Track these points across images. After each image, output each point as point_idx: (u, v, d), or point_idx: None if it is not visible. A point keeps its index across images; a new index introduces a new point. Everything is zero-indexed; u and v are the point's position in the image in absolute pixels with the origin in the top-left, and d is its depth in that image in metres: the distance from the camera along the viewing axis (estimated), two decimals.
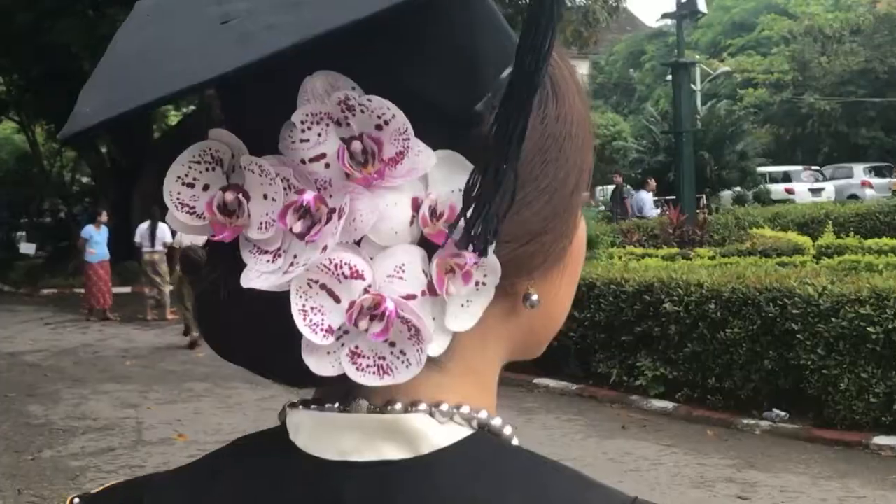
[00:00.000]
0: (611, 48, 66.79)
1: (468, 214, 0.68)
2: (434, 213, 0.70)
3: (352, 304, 0.68)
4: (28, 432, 10.16)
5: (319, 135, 0.69)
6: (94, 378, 12.93)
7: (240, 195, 0.71)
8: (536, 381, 11.36)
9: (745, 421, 9.54)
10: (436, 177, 0.70)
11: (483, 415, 0.76)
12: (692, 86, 24.85)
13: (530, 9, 0.68)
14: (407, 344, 0.70)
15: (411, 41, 0.71)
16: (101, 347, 15.62)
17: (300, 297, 0.69)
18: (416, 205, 0.70)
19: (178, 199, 0.73)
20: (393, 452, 0.72)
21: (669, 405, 10.23)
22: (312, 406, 0.76)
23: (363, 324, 0.68)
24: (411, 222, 0.70)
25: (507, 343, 0.82)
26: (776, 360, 9.36)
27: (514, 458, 0.76)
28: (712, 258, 15.64)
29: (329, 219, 0.68)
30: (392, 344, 0.70)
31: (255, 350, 0.76)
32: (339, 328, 0.70)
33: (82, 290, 20.91)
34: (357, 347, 0.70)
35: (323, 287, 0.69)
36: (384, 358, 0.70)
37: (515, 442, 0.79)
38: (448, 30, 0.72)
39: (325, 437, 0.74)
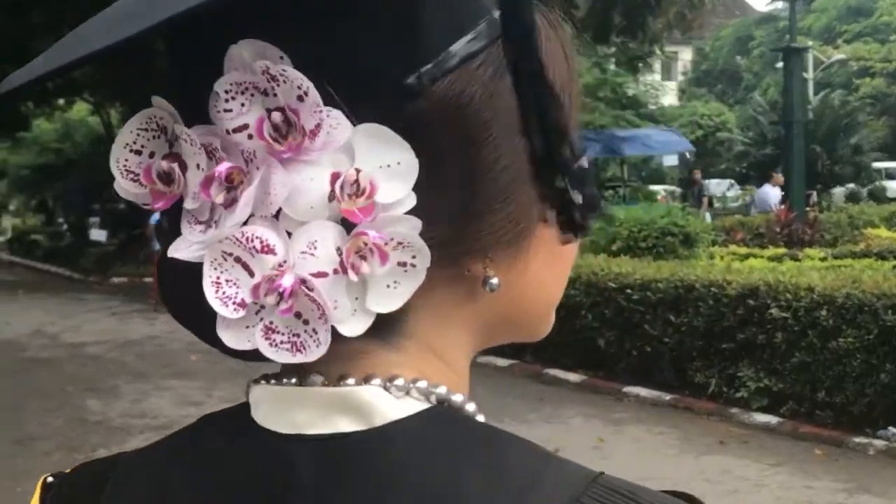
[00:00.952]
0: (717, 33, 65.78)
1: (397, 194, 0.69)
2: (353, 189, 0.69)
3: (260, 279, 0.70)
4: (83, 429, 9.99)
5: (243, 104, 0.70)
6: (156, 373, 12.79)
7: (176, 164, 0.72)
8: (626, 389, 10.93)
9: (858, 440, 8.99)
10: (363, 152, 0.70)
11: (442, 390, 0.76)
12: (804, 74, 24.22)
13: None
14: (318, 322, 0.71)
15: (343, 7, 0.70)
16: (166, 340, 15.38)
17: (214, 269, 0.71)
18: (336, 180, 0.69)
19: (124, 166, 0.75)
20: (347, 425, 0.73)
21: (773, 420, 9.71)
22: (272, 381, 0.77)
23: (270, 299, 0.69)
24: (330, 198, 0.69)
25: (475, 326, 0.82)
26: (893, 373, 8.83)
27: (473, 432, 0.76)
28: (823, 259, 15.14)
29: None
30: (305, 321, 0.71)
31: (199, 320, 0.75)
32: (255, 303, 0.71)
33: (152, 280, 20.76)
34: (272, 323, 0.71)
35: (238, 260, 0.71)
36: (298, 335, 0.71)
37: (481, 419, 0.79)
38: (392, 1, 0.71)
39: (281, 411, 0.75)
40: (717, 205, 30.94)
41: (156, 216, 0.82)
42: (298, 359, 0.71)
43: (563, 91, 0.79)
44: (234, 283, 0.71)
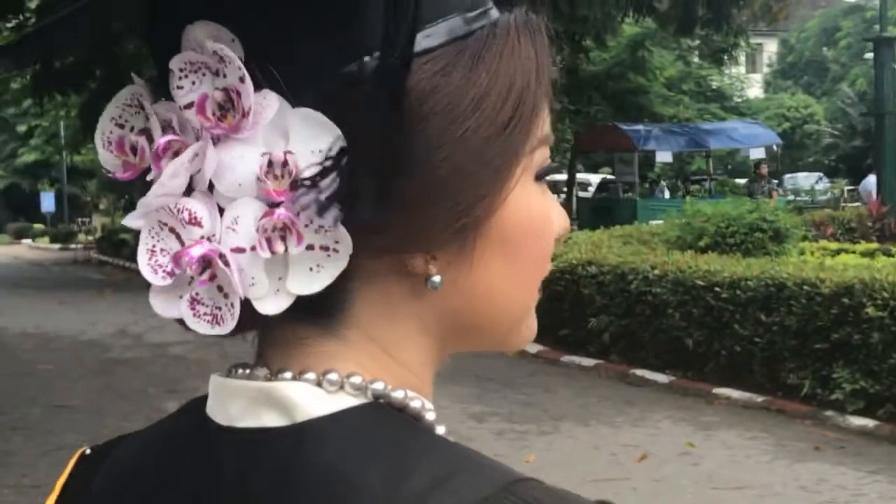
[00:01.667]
0: (802, 24, 64.57)
1: (314, 178, 0.70)
2: (281, 170, 0.71)
3: (181, 250, 0.72)
4: None
5: (194, 83, 0.72)
6: None
7: (143, 137, 0.75)
8: (717, 391, 10.55)
9: None
10: (298, 134, 0.71)
11: (378, 385, 0.76)
12: (895, 64, 23.56)
13: None
14: (235, 296, 0.72)
15: None
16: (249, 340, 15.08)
17: (151, 237, 0.74)
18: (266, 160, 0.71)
19: (107, 137, 0.78)
20: (272, 420, 0.74)
21: (871, 423, 9.27)
22: (232, 371, 0.80)
23: (190, 270, 0.71)
24: (259, 178, 0.71)
25: (430, 326, 0.81)
26: None
27: (395, 431, 0.74)
28: None
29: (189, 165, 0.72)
30: (226, 295, 0.72)
31: None
32: (186, 274, 0.72)
33: None
34: (197, 294, 0.73)
35: (172, 231, 0.73)
36: (220, 308, 0.73)
37: (430, 417, 0.78)
38: None
39: (221, 402, 0.78)
40: (805, 198, 30.23)
41: None
42: (216, 331, 0.73)
43: (525, 94, 0.78)
44: (167, 253, 0.73)
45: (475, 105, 0.75)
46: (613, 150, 35.44)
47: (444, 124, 0.74)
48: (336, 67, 0.72)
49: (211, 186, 0.73)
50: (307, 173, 0.70)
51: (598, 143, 35.31)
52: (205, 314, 0.74)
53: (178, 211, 0.72)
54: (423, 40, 0.73)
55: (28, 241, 53.86)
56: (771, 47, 66.53)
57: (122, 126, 0.78)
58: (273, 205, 0.71)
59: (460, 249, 0.78)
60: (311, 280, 0.72)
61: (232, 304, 0.72)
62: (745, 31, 31.42)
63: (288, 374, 0.76)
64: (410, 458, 0.72)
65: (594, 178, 41.79)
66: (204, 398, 0.83)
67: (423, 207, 0.74)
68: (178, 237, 0.73)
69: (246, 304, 0.73)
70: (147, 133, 0.76)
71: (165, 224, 0.73)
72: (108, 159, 0.78)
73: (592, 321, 12.34)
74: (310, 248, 0.72)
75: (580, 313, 12.65)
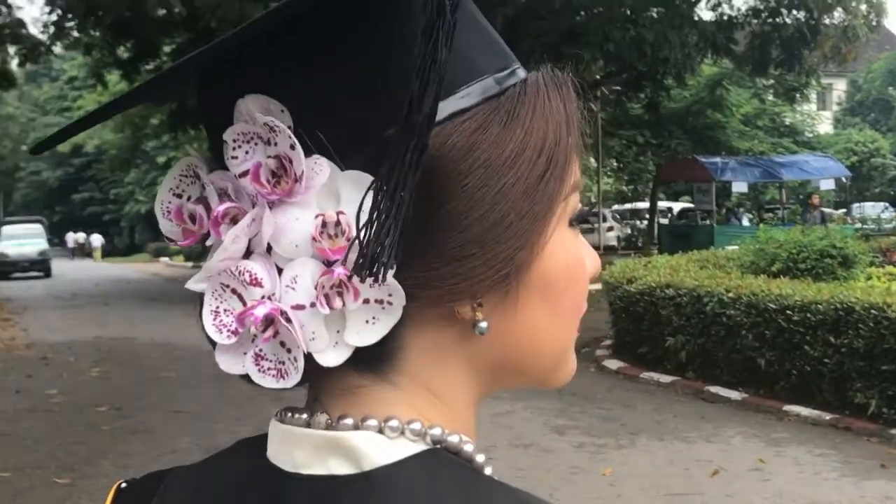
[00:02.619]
0: (869, 66, 63.33)
1: (361, 236, 0.68)
2: (335, 230, 0.69)
3: (244, 309, 0.70)
4: None
5: (247, 152, 0.71)
6: None
7: (200, 206, 0.74)
8: (787, 408, 10.04)
9: None
10: (348, 196, 0.70)
11: (436, 431, 0.74)
12: None
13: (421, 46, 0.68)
14: (297, 351, 0.71)
15: (335, 67, 0.71)
16: None
17: (215, 298, 0.72)
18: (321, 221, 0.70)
19: (166, 207, 0.77)
20: (339, 468, 0.72)
21: None
22: (288, 415, 0.78)
23: (253, 328, 0.70)
24: (314, 237, 0.70)
25: (476, 368, 0.80)
26: None
27: (456, 478, 0.72)
28: None
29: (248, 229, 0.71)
30: (289, 350, 0.71)
31: None
32: (249, 332, 0.71)
33: None
34: (261, 351, 0.71)
35: (234, 292, 0.71)
36: (283, 363, 0.71)
37: (480, 459, 0.77)
38: (376, 58, 0.71)
39: (285, 448, 0.75)
40: (871, 226, 29.58)
41: None
42: (281, 385, 0.72)
43: (558, 145, 0.77)
44: (230, 313, 0.72)
45: (513, 159, 0.73)
46: (692, 181, 35.26)
47: (484, 179, 0.72)
48: (378, 131, 0.70)
49: (269, 248, 0.72)
50: (360, 232, 0.68)
51: (678, 174, 35.51)
52: (269, 369, 0.72)
53: (240, 273, 0.71)
54: (459, 101, 0.73)
55: (165, 259, 55.02)
56: (840, 86, 65.95)
57: (179, 196, 0.77)
58: (329, 263, 0.70)
59: (504, 296, 0.76)
60: (368, 332, 0.71)
61: (295, 359, 0.71)
62: (815, 72, 31.30)
63: (349, 422, 0.74)
64: (475, 502, 0.69)
65: (674, 206, 41.51)
66: (254, 440, 0.82)
67: (468, 259, 0.73)
68: (240, 297, 0.72)
69: (306, 357, 0.71)
70: (204, 202, 0.75)
71: (227, 286, 0.72)
72: (168, 227, 0.77)
73: (670, 340, 11.94)
74: (366, 301, 0.70)
75: (658, 333, 12.30)
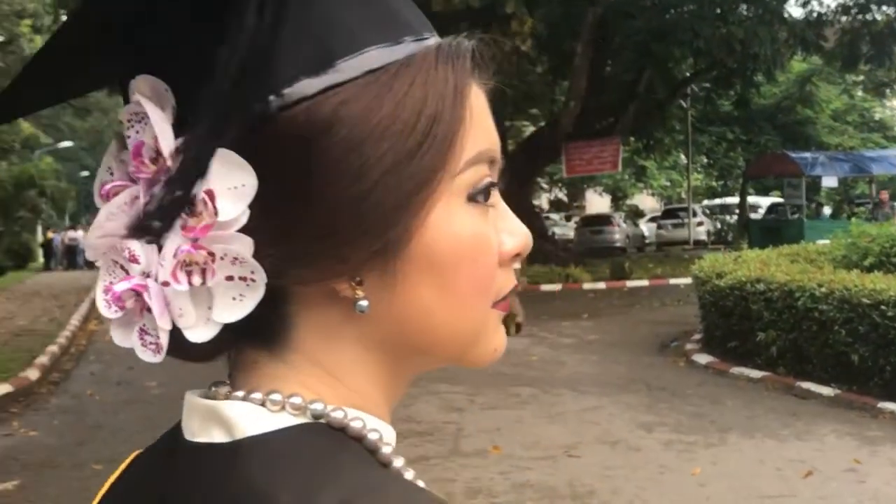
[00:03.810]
0: None
1: (233, 212, 0.67)
2: (202, 207, 0.67)
3: (120, 286, 0.70)
4: None
5: (137, 132, 0.70)
6: (429, 376, 11.89)
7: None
8: (881, 405, 9.40)
9: None
10: (215, 174, 0.67)
11: (317, 406, 0.72)
12: None
13: None
14: (162, 326, 0.69)
15: (205, 45, 0.68)
16: None
17: (108, 273, 0.71)
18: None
19: (102, 182, 0.75)
20: (218, 436, 0.71)
21: None
22: (207, 389, 0.77)
23: (130, 303, 0.69)
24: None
25: (372, 346, 0.76)
26: None
27: (321, 450, 0.69)
28: None
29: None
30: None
31: None
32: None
33: None
34: (145, 325, 0.71)
35: (122, 268, 0.70)
36: (160, 338, 0.70)
37: (373, 437, 0.72)
38: (240, 37, 0.67)
39: (187, 417, 0.75)
40: None
41: None
42: (157, 359, 0.71)
43: (438, 119, 0.72)
44: None
45: (380, 133, 0.70)
46: (782, 176, 34.52)
47: (345, 153, 0.69)
48: (245, 108, 0.68)
49: None
50: (223, 210, 0.67)
51: (768, 170, 34.89)
52: (150, 343, 0.70)
53: (121, 250, 0.70)
54: (334, 75, 0.69)
55: None
56: None
57: (113, 174, 0.74)
58: (196, 240, 0.68)
59: (383, 274, 0.73)
60: (235, 308, 0.69)
61: (162, 334, 0.70)
62: None
63: (239, 394, 0.72)
64: (326, 477, 0.66)
65: (764, 201, 40.98)
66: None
67: (335, 235, 0.70)
68: (127, 273, 0.70)
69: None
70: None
71: (116, 262, 0.70)
72: (99, 204, 0.74)
73: (760, 335, 11.38)
74: (229, 279, 0.68)
75: (748, 327, 11.74)
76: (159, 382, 12.21)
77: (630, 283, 23.84)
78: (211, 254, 0.68)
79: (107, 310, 0.70)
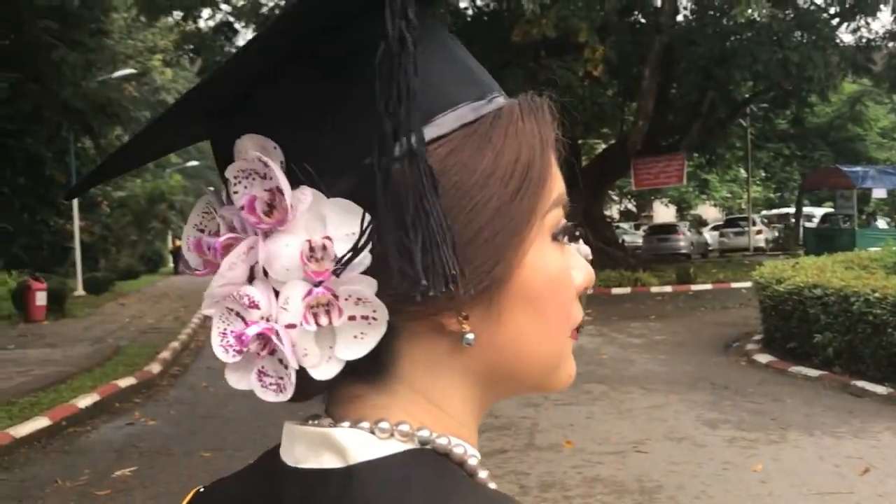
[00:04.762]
0: None
1: (354, 257, 0.66)
2: (322, 253, 0.66)
3: (242, 330, 0.68)
4: None
5: (246, 187, 0.68)
6: None
7: (214, 239, 0.71)
8: None
9: None
10: (333, 220, 0.67)
11: (424, 433, 0.70)
12: None
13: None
14: (292, 367, 0.67)
15: (316, 108, 0.69)
16: None
17: (221, 321, 0.69)
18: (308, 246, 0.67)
19: (189, 241, 0.74)
20: (329, 462, 0.69)
21: None
22: (306, 421, 0.74)
23: (253, 347, 0.67)
24: (301, 262, 0.67)
25: (472, 376, 0.74)
26: None
27: (433, 475, 0.67)
28: None
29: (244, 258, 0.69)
30: (286, 366, 0.68)
31: None
32: (253, 351, 0.68)
33: None
34: (264, 367, 0.69)
35: (238, 315, 0.69)
36: (282, 378, 0.68)
37: (473, 462, 0.71)
38: (352, 89, 0.68)
39: (289, 444, 0.73)
40: None
41: None
42: (281, 398, 0.69)
43: (531, 166, 0.72)
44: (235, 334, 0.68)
45: (485, 180, 0.70)
46: (835, 188, 33.99)
47: (457, 199, 0.68)
48: (357, 160, 0.67)
49: (266, 273, 0.68)
50: (342, 254, 0.65)
51: (821, 182, 34.38)
52: (270, 384, 0.68)
53: (240, 297, 0.68)
54: (434, 129, 0.69)
55: None
56: None
57: (202, 231, 0.74)
58: (316, 284, 0.66)
59: (488, 308, 0.71)
60: (357, 346, 0.67)
61: (291, 374, 0.68)
62: None
63: (346, 423, 0.70)
64: (439, 499, 0.65)
65: (818, 211, 40.24)
66: (277, 447, 0.76)
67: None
68: (243, 320, 0.68)
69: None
70: (218, 235, 0.72)
71: (232, 309, 0.69)
72: (192, 259, 0.74)
73: (817, 337, 10.88)
74: (352, 318, 0.67)
75: (806, 329, 11.23)
76: None
77: (695, 287, 23.27)
78: (335, 295, 0.66)
79: (224, 355, 0.68)
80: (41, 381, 11.36)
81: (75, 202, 25.85)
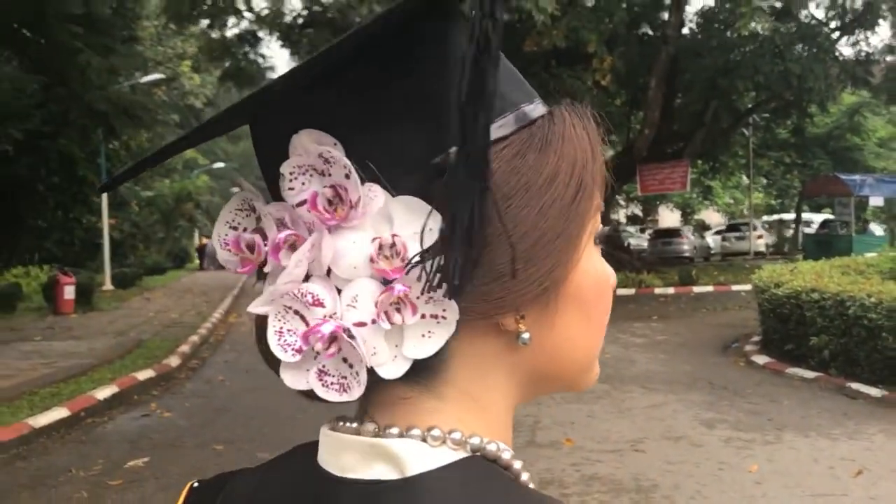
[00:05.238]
0: None
1: (428, 255, 0.64)
2: (389, 251, 0.64)
3: (308, 328, 0.64)
4: None
5: (303, 183, 0.66)
6: None
7: (257, 236, 0.68)
8: None
9: None
10: (400, 219, 0.64)
11: (475, 440, 0.68)
12: None
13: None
14: (359, 365, 0.64)
15: (381, 103, 0.66)
16: None
17: (278, 320, 0.66)
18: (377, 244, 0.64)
19: (223, 238, 0.70)
20: (384, 472, 0.66)
21: None
22: (339, 424, 0.71)
23: (318, 346, 0.64)
24: (371, 259, 0.64)
25: (517, 377, 0.72)
26: None
27: (491, 484, 0.65)
28: None
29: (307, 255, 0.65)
30: (350, 365, 0.65)
31: (276, 365, 0.67)
32: (311, 349, 0.65)
33: None
34: (324, 367, 0.65)
35: (296, 313, 0.65)
36: (346, 377, 0.65)
37: (517, 466, 0.69)
38: (421, 89, 0.66)
39: (333, 453, 0.69)
40: None
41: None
42: (344, 398, 0.65)
43: (585, 169, 0.70)
44: (294, 332, 0.65)
45: (549, 182, 0.68)
46: (833, 195, 33.82)
47: (527, 200, 0.67)
48: (426, 159, 0.65)
49: (328, 271, 0.65)
50: (413, 252, 0.63)
51: (820, 190, 34.28)
52: (332, 384, 0.65)
53: (302, 295, 0.64)
54: (498, 130, 0.66)
55: None
56: None
57: (235, 228, 0.70)
58: (386, 282, 0.64)
59: (544, 308, 0.70)
60: (425, 344, 0.65)
61: (357, 373, 0.65)
62: None
63: (395, 431, 0.67)
64: None
65: (817, 217, 40.06)
66: (305, 447, 0.74)
67: (504, 277, 0.66)
68: (302, 318, 0.65)
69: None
70: (261, 231, 0.68)
71: (290, 308, 0.65)
72: (226, 257, 0.70)
73: (814, 339, 10.65)
74: (422, 317, 0.65)
75: (803, 332, 11.00)
76: None
77: (696, 289, 23.03)
78: (408, 294, 0.63)
79: (283, 354, 0.65)
80: (64, 372, 11.25)
81: (105, 201, 25.80)
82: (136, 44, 26.47)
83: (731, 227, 43.17)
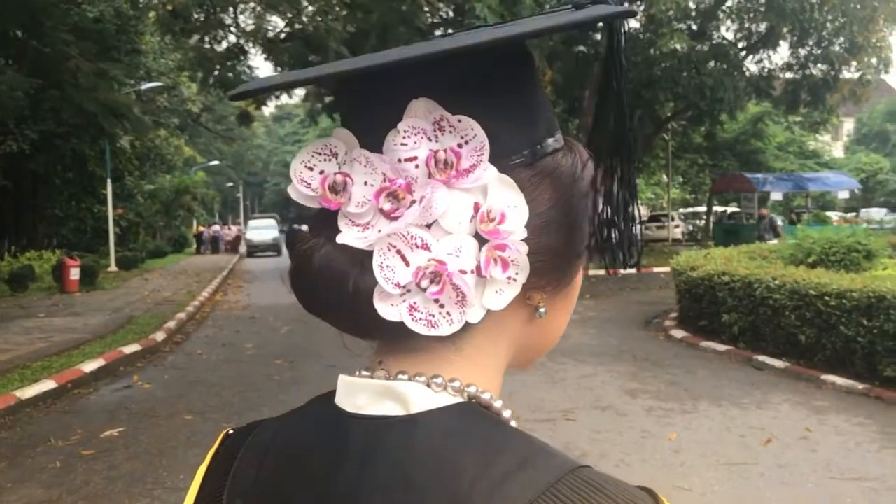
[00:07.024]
0: (872, 108, 59.22)
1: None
2: (489, 216, 0.63)
3: (418, 268, 0.62)
4: None
5: (415, 143, 0.64)
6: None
7: (347, 178, 0.65)
8: (824, 377, 8.23)
9: None
10: (494, 191, 0.64)
11: (472, 389, 0.66)
12: None
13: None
14: (453, 307, 0.63)
15: (494, 94, 0.65)
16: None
17: (381, 255, 0.63)
18: (477, 208, 0.63)
19: (299, 176, 0.66)
20: (392, 409, 0.65)
21: None
22: (355, 373, 0.69)
23: (424, 283, 0.62)
24: (471, 219, 0.63)
25: (514, 344, 0.71)
26: None
27: (486, 423, 0.64)
28: None
29: (411, 204, 0.63)
30: (441, 305, 0.63)
31: (333, 302, 0.64)
32: (405, 286, 0.62)
33: None
34: (415, 303, 0.63)
35: (398, 252, 0.63)
36: (433, 315, 0.63)
37: (507, 414, 0.67)
38: (521, 94, 0.67)
39: (349, 395, 0.68)
40: (876, 226, 27.53)
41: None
42: (431, 332, 0.63)
43: (594, 175, 0.73)
44: (392, 269, 0.63)
45: (588, 185, 0.70)
46: (740, 191, 33.90)
47: (579, 196, 0.69)
48: (517, 150, 0.66)
49: (431, 223, 0.63)
50: (508, 221, 0.63)
51: (728, 186, 34.28)
52: (420, 319, 0.63)
53: (412, 237, 0.62)
54: (556, 142, 0.69)
55: None
56: (849, 124, 62.91)
57: (310, 168, 0.66)
58: (481, 240, 0.63)
59: (558, 289, 0.70)
60: (497, 299, 0.64)
61: (448, 313, 0.63)
62: (835, 111, 29.90)
63: (404, 376, 0.66)
64: (498, 444, 0.62)
65: (721, 209, 39.94)
66: (322, 396, 0.71)
67: (560, 256, 0.68)
68: (403, 258, 0.63)
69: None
70: (347, 176, 0.65)
71: (393, 246, 0.63)
72: (301, 192, 0.66)
73: (725, 317, 10.23)
74: (508, 277, 0.64)
75: (714, 310, 10.59)
76: (254, 345, 11.35)
77: (623, 271, 22.58)
78: (506, 253, 0.63)
79: (387, 285, 0.62)
80: (57, 346, 10.56)
81: (109, 193, 24.94)
82: (139, 56, 25.64)
83: (653, 218, 42.94)
